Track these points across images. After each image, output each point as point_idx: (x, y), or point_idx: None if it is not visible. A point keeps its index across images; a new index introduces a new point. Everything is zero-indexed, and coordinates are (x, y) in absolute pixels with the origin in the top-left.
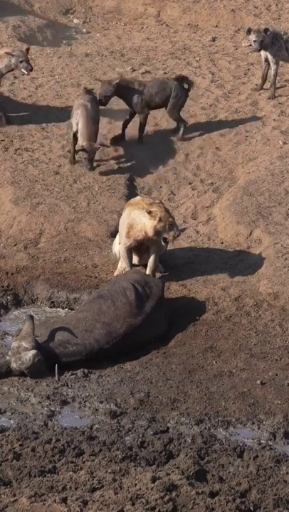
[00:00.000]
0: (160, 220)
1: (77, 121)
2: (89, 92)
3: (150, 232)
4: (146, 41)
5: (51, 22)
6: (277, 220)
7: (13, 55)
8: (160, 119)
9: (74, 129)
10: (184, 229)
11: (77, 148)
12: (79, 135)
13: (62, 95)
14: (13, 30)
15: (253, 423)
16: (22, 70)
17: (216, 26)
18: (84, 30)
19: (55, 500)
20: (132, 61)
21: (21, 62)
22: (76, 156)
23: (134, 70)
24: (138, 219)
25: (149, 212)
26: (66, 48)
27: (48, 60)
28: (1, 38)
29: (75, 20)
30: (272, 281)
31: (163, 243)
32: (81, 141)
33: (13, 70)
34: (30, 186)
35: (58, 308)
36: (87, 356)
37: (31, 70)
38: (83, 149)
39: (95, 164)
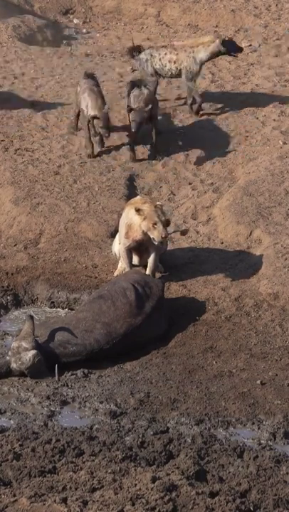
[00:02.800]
0: (145, 218)
1: (87, 103)
2: (91, 75)
3: (140, 231)
4: (147, 41)
5: (51, 22)
6: (277, 220)
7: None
8: (160, 119)
9: (88, 113)
10: (186, 230)
11: (91, 117)
12: (90, 109)
13: (62, 95)
14: (13, 30)
15: (253, 423)
16: (232, 53)
17: (216, 26)
18: (84, 30)
19: (55, 501)
20: (132, 61)
21: None
22: (95, 147)
23: (134, 70)
24: (133, 218)
25: (138, 210)
26: (66, 47)
27: (48, 60)
28: (1, 38)
29: (75, 20)
30: (272, 281)
31: (154, 243)
32: (92, 112)
33: (216, 57)
34: (30, 186)
35: (58, 309)
36: (87, 356)
37: (241, 51)
38: (96, 117)
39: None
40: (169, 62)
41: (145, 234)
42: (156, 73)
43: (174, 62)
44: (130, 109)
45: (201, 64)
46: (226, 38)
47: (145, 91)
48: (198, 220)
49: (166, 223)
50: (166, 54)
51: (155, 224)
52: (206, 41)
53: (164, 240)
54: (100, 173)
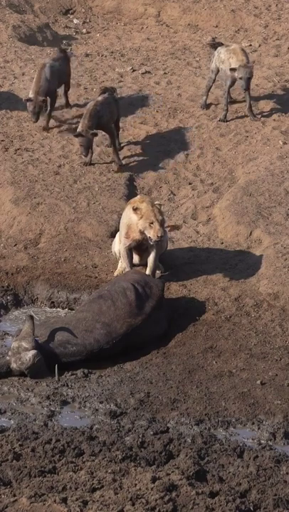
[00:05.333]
0: (141, 217)
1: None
2: (63, 51)
3: (138, 230)
4: (146, 41)
5: (51, 22)
6: (277, 220)
7: None
8: (160, 119)
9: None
10: (179, 226)
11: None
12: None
13: (63, 95)
14: (13, 30)
15: (253, 423)
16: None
17: (216, 26)
18: (84, 30)
19: (55, 501)
20: (132, 61)
21: (240, 78)
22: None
23: (134, 70)
24: (132, 217)
25: (135, 209)
26: (66, 48)
27: None
28: (1, 38)
29: (75, 21)
30: (272, 281)
31: (150, 242)
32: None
33: None
34: (30, 186)
35: (58, 309)
36: (87, 356)
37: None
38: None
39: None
40: (221, 62)
41: (143, 233)
42: (218, 71)
43: (223, 63)
44: (78, 134)
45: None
46: (241, 72)
47: (92, 105)
48: (198, 220)
49: (162, 223)
50: (221, 53)
51: (152, 223)
52: (239, 59)
53: (160, 239)
54: (100, 173)
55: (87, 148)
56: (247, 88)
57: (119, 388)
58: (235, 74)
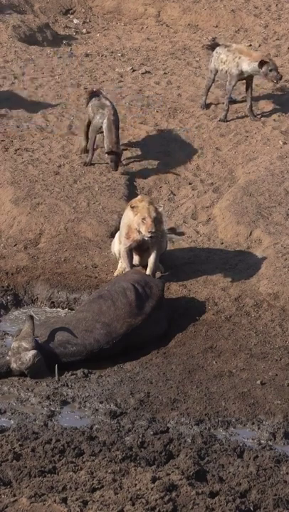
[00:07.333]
0: (137, 213)
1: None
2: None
3: (134, 228)
4: (146, 41)
5: (51, 22)
6: (277, 220)
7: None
8: (160, 119)
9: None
10: (182, 233)
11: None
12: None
13: (63, 95)
14: (13, 30)
15: (253, 423)
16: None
17: (216, 26)
18: (84, 30)
19: (55, 501)
20: (132, 61)
21: (271, 70)
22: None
23: (134, 70)
24: (131, 217)
25: (132, 207)
26: (66, 48)
27: (48, 60)
28: (1, 38)
29: (75, 21)
30: (272, 281)
31: (145, 239)
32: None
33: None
34: (30, 186)
35: (58, 309)
36: (87, 356)
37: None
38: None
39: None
40: (222, 62)
41: (140, 232)
42: (217, 72)
43: (224, 63)
44: (110, 152)
45: (240, 74)
46: (270, 65)
47: (110, 114)
48: (198, 220)
49: (156, 220)
50: (220, 54)
51: (144, 219)
52: (253, 56)
53: (151, 235)
54: (100, 173)
55: (118, 163)
56: (281, 78)
57: (119, 388)
58: (263, 68)
